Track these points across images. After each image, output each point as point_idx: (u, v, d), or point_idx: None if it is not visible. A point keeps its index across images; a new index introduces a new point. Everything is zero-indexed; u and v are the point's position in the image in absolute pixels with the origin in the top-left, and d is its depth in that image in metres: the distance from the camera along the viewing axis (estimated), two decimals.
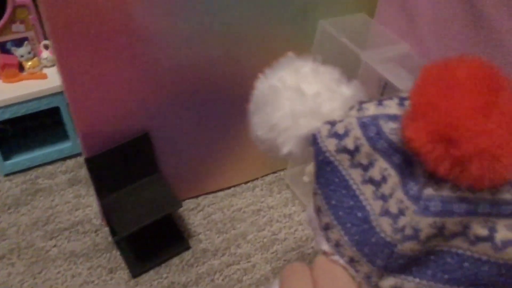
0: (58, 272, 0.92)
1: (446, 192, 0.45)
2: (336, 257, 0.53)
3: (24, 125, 1.17)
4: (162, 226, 0.98)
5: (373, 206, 0.50)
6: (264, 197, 1.10)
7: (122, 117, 0.87)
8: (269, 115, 0.55)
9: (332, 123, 0.52)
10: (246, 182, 1.13)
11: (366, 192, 0.51)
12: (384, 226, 0.48)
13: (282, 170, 1.15)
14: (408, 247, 0.47)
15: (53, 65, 1.11)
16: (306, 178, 1.11)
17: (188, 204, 1.06)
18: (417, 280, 0.49)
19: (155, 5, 0.76)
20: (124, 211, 0.90)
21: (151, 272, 0.93)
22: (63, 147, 1.15)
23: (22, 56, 1.08)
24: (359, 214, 0.51)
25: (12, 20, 1.05)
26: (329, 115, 0.53)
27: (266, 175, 1.15)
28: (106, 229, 1.00)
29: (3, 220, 1.02)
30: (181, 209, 1.04)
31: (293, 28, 0.89)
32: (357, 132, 0.50)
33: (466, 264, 0.47)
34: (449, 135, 0.42)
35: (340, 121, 0.52)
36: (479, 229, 0.46)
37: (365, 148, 0.50)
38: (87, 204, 1.06)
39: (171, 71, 0.85)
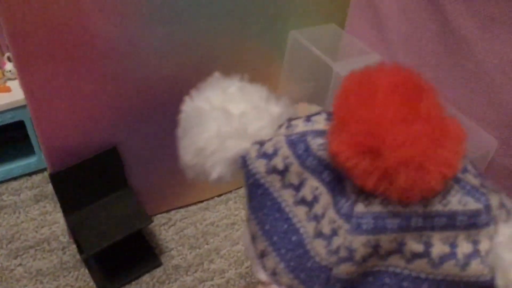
0: None
1: (377, 208, 0.44)
2: (274, 287, 0.51)
3: None
4: (132, 243, 0.96)
5: (307, 228, 0.48)
6: (237, 210, 1.08)
7: (88, 130, 0.84)
8: (195, 138, 0.53)
9: (261, 143, 0.51)
10: (219, 195, 1.11)
11: (299, 214, 0.49)
12: (319, 248, 0.47)
13: None
14: (344, 269, 0.45)
15: (17, 78, 1.08)
16: None
17: (159, 219, 1.04)
18: None
19: (116, 19, 0.74)
20: (92, 227, 0.87)
21: None
22: (29, 162, 1.11)
23: None
24: (294, 238, 0.49)
25: None
26: (256, 134, 0.51)
27: (240, 187, 1.13)
28: (74, 247, 0.96)
29: None
30: (152, 224, 1.01)
31: (263, 39, 0.88)
32: (285, 150, 0.48)
33: (404, 284, 0.46)
34: (373, 147, 0.41)
35: (269, 140, 0.50)
36: (414, 245, 0.44)
37: (295, 166, 0.48)
38: (54, 221, 1.02)
39: (137, 83, 0.83)
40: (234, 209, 1.08)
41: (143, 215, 0.88)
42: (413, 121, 0.41)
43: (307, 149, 0.47)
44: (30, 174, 1.12)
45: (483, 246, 0.44)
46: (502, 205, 0.45)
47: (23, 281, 0.90)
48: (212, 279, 0.93)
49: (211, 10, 0.80)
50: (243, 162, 0.50)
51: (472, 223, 0.44)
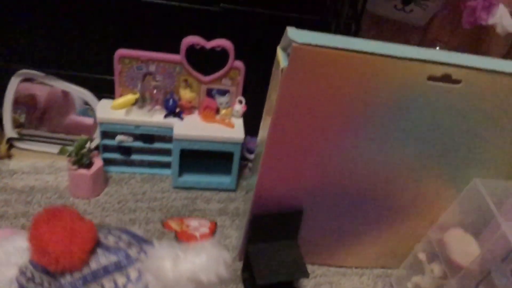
0: None
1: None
2: None
3: (201, 153, 1.44)
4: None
5: None
6: (369, 286, 1.26)
7: (291, 193, 1.08)
8: None
9: None
10: (356, 267, 1.30)
11: None
12: None
13: (391, 268, 1.31)
14: None
15: (240, 117, 1.37)
16: (409, 285, 1.26)
17: None
18: None
19: (347, 133, 0.97)
20: (262, 261, 1.11)
21: None
22: (223, 181, 1.40)
23: (221, 103, 1.34)
24: None
25: (224, 76, 1.32)
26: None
27: (375, 267, 1.31)
28: (238, 264, 1.22)
29: None
30: None
31: (444, 178, 1.05)
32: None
33: None
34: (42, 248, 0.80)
35: None
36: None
37: None
38: (228, 235, 1.29)
39: (339, 174, 1.05)
40: (366, 284, 1.27)
41: (303, 268, 1.11)
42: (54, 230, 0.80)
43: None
44: (219, 190, 1.41)
45: (133, 275, 0.80)
46: (140, 250, 0.84)
47: None
48: None
49: (410, 143, 0.99)
50: None
51: (119, 267, 0.80)
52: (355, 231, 1.20)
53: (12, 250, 0.84)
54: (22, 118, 1.48)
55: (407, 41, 1.43)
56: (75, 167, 1.26)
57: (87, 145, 1.27)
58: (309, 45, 0.83)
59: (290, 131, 0.97)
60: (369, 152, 1.01)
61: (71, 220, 0.82)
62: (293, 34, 0.85)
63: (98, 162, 1.29)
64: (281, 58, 0.90)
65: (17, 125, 1.45)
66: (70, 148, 1.25)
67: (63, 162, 1.37)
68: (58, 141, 1.44)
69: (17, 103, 1.41)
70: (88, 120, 1.49)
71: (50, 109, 1.50)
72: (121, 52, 1.25)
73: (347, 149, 1.00)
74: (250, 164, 1.47)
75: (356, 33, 1.21)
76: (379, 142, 0.99)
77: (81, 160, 1.25)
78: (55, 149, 1.41)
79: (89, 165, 1.27)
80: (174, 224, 1.25)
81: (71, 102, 1.49)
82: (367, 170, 1.05)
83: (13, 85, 1.34)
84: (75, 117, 1.52)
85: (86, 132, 1.47)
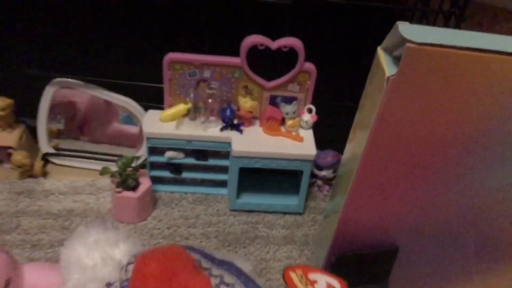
0: None
1: None
2: None
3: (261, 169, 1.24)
4: None
5: None
6: None
7: (382, 226, 0.87)
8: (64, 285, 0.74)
9: (108, 285, 0.71)
10: None
11: None
12: None
13: None
14: None
15: (309, 129, 1.16)
16: None
17: None
18: None
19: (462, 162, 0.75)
20: None
21: None
22: (289, 203, 1.20)
23: (287, 113, 1.14)
24: None
25: (291, 80, 1.11)
26: (106, 279, 0.72)
27: None
28: None
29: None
30: None
31: None
32: None
33: None
34: None
35: (113, 284, 0.70)
36: None
37: None
38: None
39: (445, 205, 0.84)
40: None
41: None
42: None
43: None
44: (284, 213, 1.21)
45: None
46: None
47: None
48: None
49: None
50: None
51: None
52: (456, 276, 0.98)
53: None
54: (61, 126, 1.32)
55: (507, 30, 1.19)
56: (119, 189, 1.08)
57: (133, 164, 1.09)
58: (431, 45, 0.62)
59: (391, 151, 0.76)
60: (486, 180, 0.79)
61: (186, 276, 0.69)
62: (407, 31, 0.63)
63: (145, 183, 1.12)
64: (385, 63, 0.69)
65: (54, 136, 1.29)
66: (113, 168, 1.08)
67: (106, 180, 1.20)
68: (100, 156, 1.27)
69: (54, 111, 1.25)
70: (133, 129, 1.32)
71: (92, 118, 1.34)
72: (171, 56, 1.06)
73: (460, 174, 0.79)
74: (319, 182, 1.27)
75: (457, 25, 0.98)
76: (501, 168, 0.77)
77: (126, 182, 1.08)
78: (96, 165, 1.25)
79: (135, 187, 1.10)
80: (296, 279, 0.96)
81: (114, 109, 1.33)
82: (478, 202, 0.83)
83: (48, 95, 1.18)
84: (118, 126, 1.36)
85: (131, 142, 1.31)
